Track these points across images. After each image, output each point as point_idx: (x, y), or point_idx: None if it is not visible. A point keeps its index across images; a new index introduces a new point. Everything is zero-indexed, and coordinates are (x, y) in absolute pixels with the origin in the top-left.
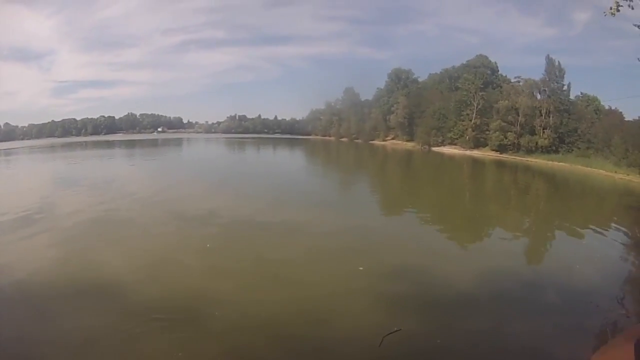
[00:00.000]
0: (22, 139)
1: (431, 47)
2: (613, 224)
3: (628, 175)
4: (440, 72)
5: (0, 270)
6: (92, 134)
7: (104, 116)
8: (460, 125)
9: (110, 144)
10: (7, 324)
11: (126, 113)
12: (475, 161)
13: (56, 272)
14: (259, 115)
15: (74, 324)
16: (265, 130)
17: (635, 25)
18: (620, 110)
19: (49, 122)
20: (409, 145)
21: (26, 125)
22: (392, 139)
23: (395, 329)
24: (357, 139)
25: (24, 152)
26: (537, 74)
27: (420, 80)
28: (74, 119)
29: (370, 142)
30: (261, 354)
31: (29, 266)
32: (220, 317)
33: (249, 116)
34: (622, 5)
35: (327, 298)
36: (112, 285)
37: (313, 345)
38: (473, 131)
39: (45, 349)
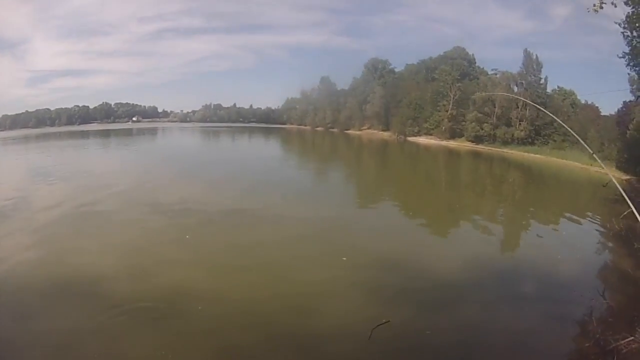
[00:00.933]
0: None
1: (409, 38)
2: (589, 215)
3: (602, 168)
4: (417, 62)
5: None
6: (66, 124)
7: (78, 106)
8: (436, 115)
9: (84, 134)
10: None
11: (101, 102)
12: (451, 152)
13: (32, 269)
14: (234, 104)
15: (52, 323)
16: (241, 119)
17: (616, 22)
18: (596, 105)
19: (22, 113)
20: (385, 135)
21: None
22: (368, 128)
23: (384, 320)
24: (333, 128)
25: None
26: (515, 67)
27: (397, 70)
28: (48, 109)
29: (346, 131)
30: (247, 350)
31: (3, 263)
32: (203, 312)
33: (225, 105)
34: (605, 3)
35: (312, 289)
36: (91, 281)
37: (301, 340)
38: (449, 122)
39: (23, 349)
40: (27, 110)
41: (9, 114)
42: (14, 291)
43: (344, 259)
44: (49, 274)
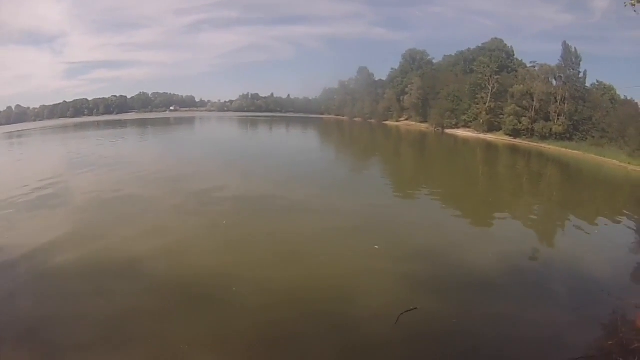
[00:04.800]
0: (34, 121)
1: (446, 29)
2: (625, 215)
3: None
4: (456, 54)
5: (17, 247)
6: (104, 114)
7: (115, 96)
8: (474, 108)
9: (122, 123)
10: (24, 301)
11: (138, 93)
12: (488, 145)
13: (72, 251)
14: (272, 94)
15: (93, 304)
16: (278, 109)
17: None
18: (636, 101)
19: (60, 103)
20: (423, 126)
21: (38, 107)
22: (406, 119)
23: (412, 307)
24: (371, 119)
25: (36, 134)
26: (552, 61)
27: (435, 62)
28: (86, 99)
29: (384, 122)
30: (283, 329)
31: (44, 244)
32: (242, 294)
33: (262, 95)
34: None
35: (344, 276)
36: (131, 264)
37: (332, 321)
38: (487, 115)
39: (72, 327)
40: (64, 101)
41: (47, 104)
42: (58, 273)
43: (377, 247)
44: (90, 257)
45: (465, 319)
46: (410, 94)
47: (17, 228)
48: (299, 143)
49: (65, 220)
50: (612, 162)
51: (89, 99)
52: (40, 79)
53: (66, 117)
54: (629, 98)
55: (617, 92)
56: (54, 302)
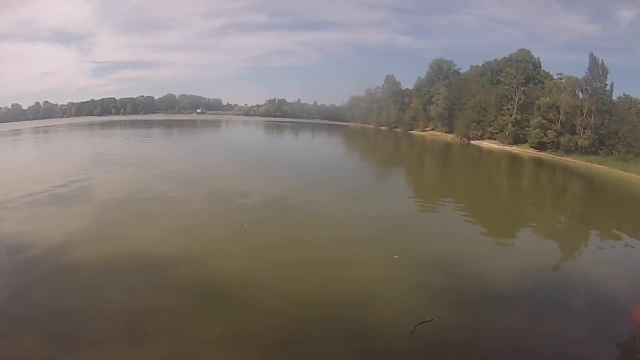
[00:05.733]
0: (61, 117)
1: (472, 38)
2: None
3: None
4: (482, 64)
5: (40, 241)
6: (131, 114)
7: (142, 96)
8: (500, 119)
9: (149, 124)
10: (43, 294)
11: (165, 94)
12: (513, 157)
13: (93, 247)
14: (299, 100)
15: (112, 299)
16: (304, 115)
17: None
18: None
19: (88, 101)
20: (448, 137)
21: (65, 103)
22: (432, 129)
23: (428, 318)
24: (396, 127)
25: (62, 130)
26: (577, 72)
27: (461, 72)
28: (113, 98)
29: (409, 131)
30: (300, 333)
31: (66, 239)
32: (259, 296)
33: (289, 100)
34: None
35: (362, 283)
36: (151, 261)
37: (348, 327)
38: (513, 126)
39: (88, 320)
40: (92, 99)
41: (75, 101)
42: (79, 267)
43: (396, 257)
44: (111, 254)
45: (481, 332)
46: (437, 104)
47: (40, 221)
48: (323, 149)
49: (88, 217)
50: (637, 177)
51: (117, 98)
52: (67, 76)
53: (93, 115)
54: None
55: None
56: (72, 296)
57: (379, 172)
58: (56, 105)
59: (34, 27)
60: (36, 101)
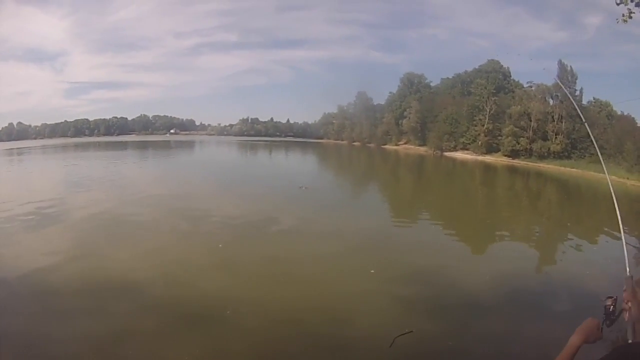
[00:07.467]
0: (35, 138)
1: (442, 51)
2: (625, 231)
3: None
4: (453, 76)
5: (11, 265)
6: (104, 135)
7: (116, 117)
8: (472, 130)
9: (123, 145)
10: (17, 319)
11: (139, 114)
12: (487, 167)
13: (67, 270)
14: (272, 119)
15: (89, 323)
16: (278, 134)
17: None
18: (632, 116)
19: (61, 122)
20: (422, 150)
21: (39, 124)
22: (405, 143)
23: (407, 330)
24: (370, 143)
25: (36, 152)
26: (549, 79)
27: (432, 84)
28: (87, 119)
29: (383, 146)
30: (280, 349)
31: (39, 262)
32: (238, 315)
33: (261, 119)
34: (634, 12)
35: (338, 298)
36: (127, 284)
37: (327, 343)
38: (485, 136)
39: (64, 346)
40: (65, 120)
41: (48, 122)
42: (53, 292)
43: (372, 271)
44: (86, 277)
45: (461, 340)
46: (409, 118)
47: (12, 245)
48: (298, 167)
49: (62, 239)
50: (611, 178)
51: (90, 119)
52: (41, 96)
53: (67, 136)
54: (625, 113)
55: (614, 108)
56: (46, 320)
57: (353, 188)
58: (30, 126)
59: (7, 45)
60: (9, 122)
